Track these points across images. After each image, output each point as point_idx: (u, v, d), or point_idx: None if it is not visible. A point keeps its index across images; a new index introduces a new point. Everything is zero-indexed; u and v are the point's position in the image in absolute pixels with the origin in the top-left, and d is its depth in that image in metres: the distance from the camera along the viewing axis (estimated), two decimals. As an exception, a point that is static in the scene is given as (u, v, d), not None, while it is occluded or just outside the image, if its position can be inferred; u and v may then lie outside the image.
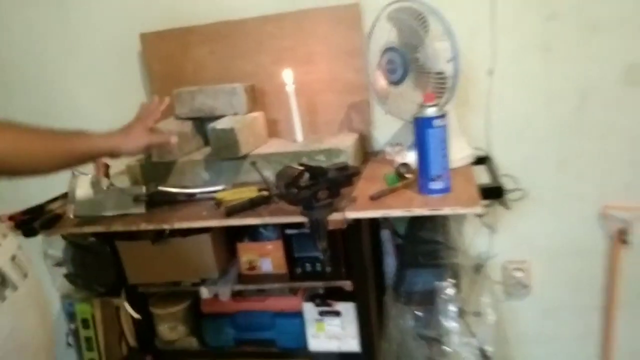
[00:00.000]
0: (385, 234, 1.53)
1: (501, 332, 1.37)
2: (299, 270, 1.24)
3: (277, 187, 1.03)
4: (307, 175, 1.02)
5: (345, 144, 1.31)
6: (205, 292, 1.25)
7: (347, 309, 1.26)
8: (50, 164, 0.89)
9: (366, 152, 1.50)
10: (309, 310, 1.29)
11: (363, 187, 1.18)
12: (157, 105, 1.18)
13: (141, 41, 1.59)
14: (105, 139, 1.04)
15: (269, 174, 1.21)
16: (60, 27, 1.67)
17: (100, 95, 1.71)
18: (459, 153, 1.23)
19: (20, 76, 1.74)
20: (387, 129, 1.51)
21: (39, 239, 1.26)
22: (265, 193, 1.14)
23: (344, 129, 1.51)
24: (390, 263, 1.55)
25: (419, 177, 1.07)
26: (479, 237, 1.54)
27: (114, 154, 1.06)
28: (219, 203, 1.17)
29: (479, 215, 1.46)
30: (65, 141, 0.94)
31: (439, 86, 1.16)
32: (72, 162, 0.97)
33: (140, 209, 1.22)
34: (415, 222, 1.38)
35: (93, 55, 1.67)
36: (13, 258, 0.63)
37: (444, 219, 1.41)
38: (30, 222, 1.21)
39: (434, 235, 1.30)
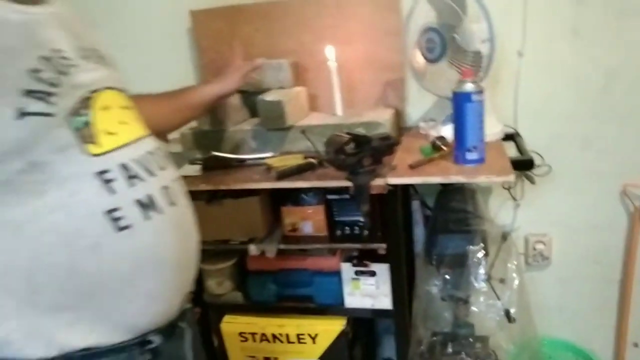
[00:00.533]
0: (415, 205, 1.64)
1: (523, 298, 1.47)
2: (338, 232, 1.35)
3: (327, 153, 1.14)
4: (353, 143, 1.12)
5: (383, 117, 1.41)
6: (253, 250, 1.38)
7: (382, 269, 1.37)
8: (174, 122, 1.14)
9: (400, 127, 1.61)
10: (346, 269, 1.41)
11: (401, 158, 1.28)
12: (237, 49, 1.36)
13: (191, 18, 1.70)
14: (212, 85, 1.26)
15: (315, 143, 1.32)
16: (116, 2, 1.78)
17: (151, 68, 1.80)
18: (491, 129, 1.32)
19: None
20: (420, 105, 1.60)
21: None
22: (311, 160, 1.25)
23: (379, 105, 1.61)
24: (418, 232, 1.66)
25: (456, 148, 1.17)
26: (504, 210, 1.64)
27: (223, 95, 1.28)
28: (269, 168, 1.29)
29: (507, 188, 1.55)
30: (181, 98, 1.16)
31: (474, 65, 1.26)
32: (191, 114, 1.24)
33: (196, 172, 1.35)
34: (446, 193, 1.48)
35: (146, 29, 1.78)
36: (165, 188, 0.74)
37: (472, 190, 1.51)
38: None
39: (463, 205, 1.41)
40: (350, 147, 1.12)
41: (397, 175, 1.16)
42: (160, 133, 0.96)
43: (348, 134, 1.14)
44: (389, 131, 1.38)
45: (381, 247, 1.32)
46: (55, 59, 0.65)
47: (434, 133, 1.37)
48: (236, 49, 1.35)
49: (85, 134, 0.66)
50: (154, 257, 0.71)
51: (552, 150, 1.56)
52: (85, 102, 0.67)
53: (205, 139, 1.49)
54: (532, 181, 1.49)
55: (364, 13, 1.56)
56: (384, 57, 1.57)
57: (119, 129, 0.72)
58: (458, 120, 1.14)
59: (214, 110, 1.42)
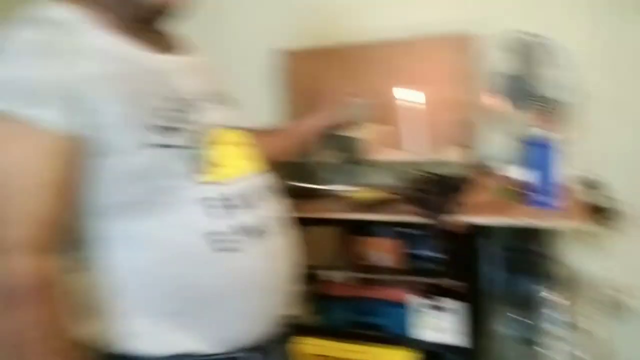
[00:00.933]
0: (487, 243, 1.65)
1: (600, 349, 1.44)
2: (411, 265, 1.41)
3: (404, 190, 1.21)
4: (430, 181, 1.19)
5: (457, 156, 1.47)
6: (328, 276, 1.46)
7: (453, 305, 1.41)
8: (284, 153, 1.23)
9: (474, 166, 1.64)
10: (417, 302, 1.46)
11: (474, 197, 1.32)
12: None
13: (284, 57, 1.84)
14: (320, 116, 1.31)
15: (392, 179, 1.40)
16: (214, 38, 1.96)
17: (240, 98, 1.97)
18: (568, 174, 1.33)
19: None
20: (494, 146, 1.63)
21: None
22: (389, 194, 1.33)
23: (453, 144, 1.66)
24: (490, 271, 1.67)
25: (530, 191, 1.20)
26: (584, 256, 1.61)
27: (333, 125, 1.33)
28: (349, 200, 1.37)
29: (585, 233, 1.54)
30: (290, 131, 1.27)
31: (552, 111, 1.29)
32: (299, 147, 1.30)
33: (282, 199, 1.46)
34: (521, 233, 1.49)
35: (241, 65, 1.95)
36: (264, 218, 0.83)
37: (549, 232, 1.51)
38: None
39: (541, 248, 1.42)
40: (427, 185, 1.19)
41: (471, 214, 1.20)
42: (271, 163, 1.06)
43: (426, 172, 1.21)
44: (463, 171, 1.43)
45: (454, 283, 1.36)
46: (180, 100, 0.78)
47: (508, 174, 1.40)
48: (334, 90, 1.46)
49: (198, 165, 0.78)
50: (251, 277, 0.80)
51: (634, 198, 1.52)
52: (202, 138, 0.79)
53: (292, 168, 1.60)
54: (615, 229, 1.47)
55: (439, 56, 1.62)
56: (456, 98, 1.62)
57: (229, 162, 0.83)
58: (533, 164, 1.17)
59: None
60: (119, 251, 0.75)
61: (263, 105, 1.92)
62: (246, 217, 0.81)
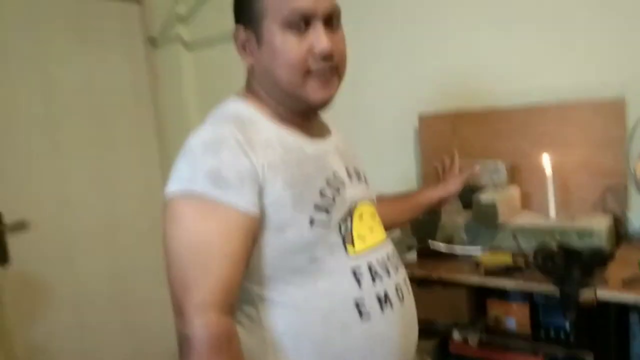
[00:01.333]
0: (634, 318, 1.56)
1: None
2: (541, 333, 1.40)
3: (535, 259, 1.23)
4: (562, 253, 1.20)
5: (599, 225, 1.43)
6: (456, 335, 1.50)
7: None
8: (403, 219, 1.36)
9: (620, 235, 1.58)
10: (545, 371, 1.43)
11: (615, 270, 1.29)
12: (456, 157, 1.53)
13: (418, 118, 1.96)
14: (436, 190, 1.41)
15: (523, 244, 1.42)
16: (356, 104, 2.15)
17: (381, 156, 2.12)
18: None
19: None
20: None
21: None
22: (519, 261, 1.35)
23: (597, 210, 1.62)
24: (637, 346, 1.57)
25: (676, 270, 1.15)
26: None
27: (446, 199, 1.41)
28: (478, 263, 1.42)
29: None
30: (411, 200, 1.38)
31: None
32: (417, 214, 1.40)
33: (413, 257, 1.55)
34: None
35: (380, 124, 2.10)
36: (398, 285, 0.95)
37: None
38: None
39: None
40: (559, 257, 1.20)
41: (607, 289, 1.19)
42: (391, 227, 1.18)
43: (559, 244, 1.22)
44: (604, 240, 1.40)
45: (588, 356, 1.32)
46: (333, 180, 0.93)
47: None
48: (455, 156, 1.53)
49: (347, 237, 0.91)
50: (384, 343, 0.91)
51: None
52: (349, 213, 0.93)
53: (422, 227, 1.69)
54: None
55: (585, 121, 1.62)
56: (604, 163, 1.59)
57: (369, 233, 0.95)
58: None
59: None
60: (277, 312, 0.88)
61: (398, 163, 2.05)
62: (385, 286, 0.92)
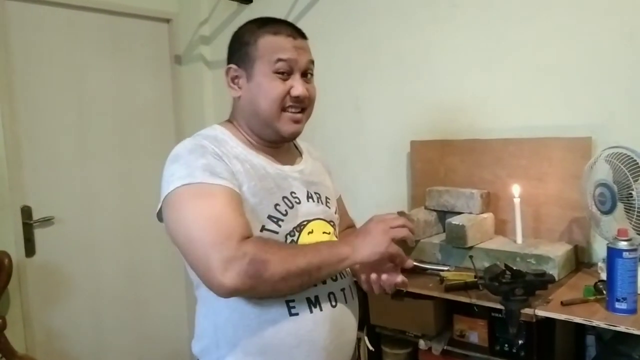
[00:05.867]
0: (590, 340, 1.69)
1: None
2: (497, 347, 1.55)
3: (483, 279, 1.39)
4: (508, 274, 1.35)
5: (556, 253, 1.58)
6: (422, 344, 1.66)
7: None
8: (296, 284, 1.00)
9: (580, 262, 1.72)
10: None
11: (562, 293, 1.44)
12: (406, 222, 1.09)
13: (410, 146, 2.13)
14: (342, 248, 1.03)
15: (486, 265, 1.57)
16: (357, 130, 2.34)
17: (375, 178, 2.30)
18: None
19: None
20: (604, 245, 1.69)
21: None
22: (478, 280, 1.51)
23: (563, 239, 1.76)
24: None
25: (608, 296, 1.30)
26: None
27: (348, 264, 1.03)
28: (442, 279, 1.58)
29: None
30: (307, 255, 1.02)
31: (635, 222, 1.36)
32: (314, 274, 0.99)
33: (388, 272, 1.71)
34: (619, 335, 1.53)
35: (376, 149, 2.29)
36: (331, 293, 1.09)
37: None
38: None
39: (630, 351, 1.45)
40: (505, 277, 1.35)
41: (545, 308, 1.33)
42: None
43: (506, 265, 1.38)
44: (558, 267, 1.54)
45: (535, 370, 1.46)
46: (289, 198, 1.10)
47: (603, 276, 1.48)
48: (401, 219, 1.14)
49: None
50: (311, 340, 1.05)
51: None
52: (300, 227, 1.09)
53: (402, 245, 1.85)
54: None
55: (557, 157, 1.77)
56: (572, 197, 1.73)
57: None
58: (610, 272, 1.27)
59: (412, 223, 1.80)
60: (222, 302, 1.03)
61: (390, 184, 2.23)
62: (316, 292, 1.06)
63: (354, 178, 2.36)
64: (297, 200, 1.12)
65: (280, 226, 1.07)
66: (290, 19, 2.01)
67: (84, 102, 2.46)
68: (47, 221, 2.31)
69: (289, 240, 1.08)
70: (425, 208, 1.93)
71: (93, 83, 2.49)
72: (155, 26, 2.74)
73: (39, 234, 2.29)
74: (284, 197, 1.09)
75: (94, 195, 2.49)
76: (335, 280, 1.12)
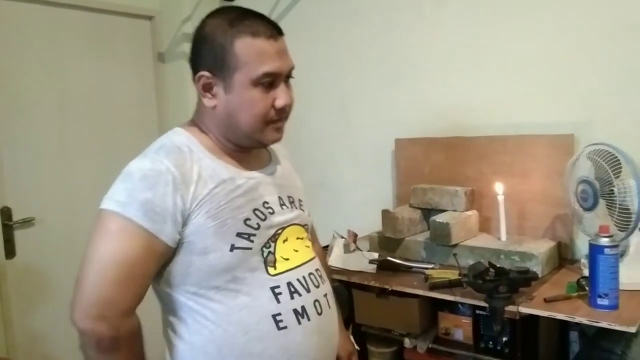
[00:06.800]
0: (574, 336, 1.70)
1: None
2: (482, 345, 1.55)
3: (467, 276, 1.39)
4: (492, 271, 1.35)
5: (539, 250, 1.58)
6: (407, 342, 1.65)
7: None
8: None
9: (564, 259, 1.73)
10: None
11: (545, 290, 1.44)
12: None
13: (395, 144, 2.13)
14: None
15: (470, 263, 1.57)
16: (343, 128, 2.33)
17: (360, 176, 2.30)
18: (634, 280, 1.38)
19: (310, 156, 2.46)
20: (587, 241, 1.70)
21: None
22: (463, 278, 1.51)
23: (547, 236, 1.77)
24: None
25: (590, 292, 1.30)
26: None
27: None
28: (427, 278, 1.58)
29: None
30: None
31: (624, 218, 1.37)
32: None
33: (372, 270, 1.71)
34: (602, 331, 1.54)
35: (362, 147, 2.29)
36: (317, 301, 1.05)
37: (631, 334, 1.54)
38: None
39: (612, 346, 1.46)
40: (489, 275, 1.35)
41: (529, 305, 1.34)
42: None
43: (490, 263, 1.38)
44: (542, 263, 1.55)
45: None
46: (261, 209, 1.04)
47: (585, 273, 1.49)
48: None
49: (269, 260, 1.03)
50: (301, 351, 1.03)
51: None
52: (274, 238, 1.05)
53: (387, 242, 1.85)
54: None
55: (541, 154, 1.78)
56: (555, 194, 1.74)
57: (292, 255, 1.07)
58: (592, 268, 1.28)
59: (396, 222, 1.79)
60: (202, 323, 0.99)
61: (377, 180, 2.23)
62: (302, 301, 1.04)
63: (340, 176, 2.35)
64: (271, 211, 1.06)
65: (252, 241, 1.01)
66: (273, 17, 2.00)
67: (65, 101, 2.41)
68: (27, 222, 2.27)
69: (265, 253, 1.03)
70: (410, 206, 1.93)
71: (74, 81, 2.44)
72: (137, 23, 2.70)
73: (19, 235, 2.25)
74: (255, 210, 1.04)
75: (76, 195, 2.45)
76: (318, 287, 1.09)
